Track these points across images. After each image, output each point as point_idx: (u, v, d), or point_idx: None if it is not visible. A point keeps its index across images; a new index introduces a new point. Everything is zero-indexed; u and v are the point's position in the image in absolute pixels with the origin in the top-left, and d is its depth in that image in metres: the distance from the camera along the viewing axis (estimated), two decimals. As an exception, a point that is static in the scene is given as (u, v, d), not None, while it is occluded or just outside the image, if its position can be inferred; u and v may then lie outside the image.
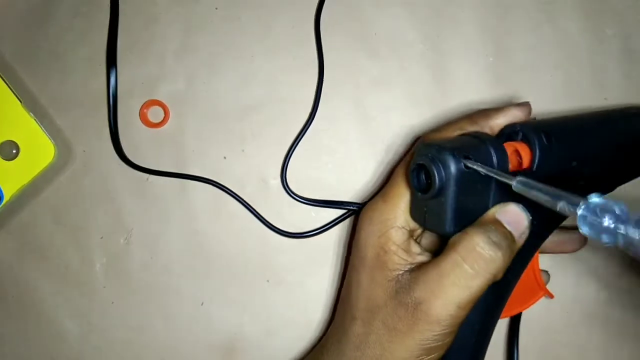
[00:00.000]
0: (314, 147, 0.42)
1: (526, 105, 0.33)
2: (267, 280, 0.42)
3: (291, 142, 0.42)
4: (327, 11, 0.42)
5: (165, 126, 0.42)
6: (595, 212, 0.21)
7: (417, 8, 0.43)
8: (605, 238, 0.20)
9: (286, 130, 0.42)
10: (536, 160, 0.30)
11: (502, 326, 0.42)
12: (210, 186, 0.42)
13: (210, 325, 0.42)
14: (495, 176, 0.27)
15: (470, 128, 0.32)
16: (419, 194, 0.30)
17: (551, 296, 0.38)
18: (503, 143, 0.30)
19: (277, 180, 0.42)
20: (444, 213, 0.29)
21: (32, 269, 0.42)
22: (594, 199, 0.21)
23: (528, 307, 0.38)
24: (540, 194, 0.24)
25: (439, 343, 0.30)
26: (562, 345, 0.42)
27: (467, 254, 0.28)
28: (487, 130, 0.32)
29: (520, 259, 0.31)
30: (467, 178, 0.28)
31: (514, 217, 0.30)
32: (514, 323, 0.41)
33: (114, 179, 0.42)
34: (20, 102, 0.40)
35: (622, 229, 0.20)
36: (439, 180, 0.28)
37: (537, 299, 0.37)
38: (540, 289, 0.37)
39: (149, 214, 0.42)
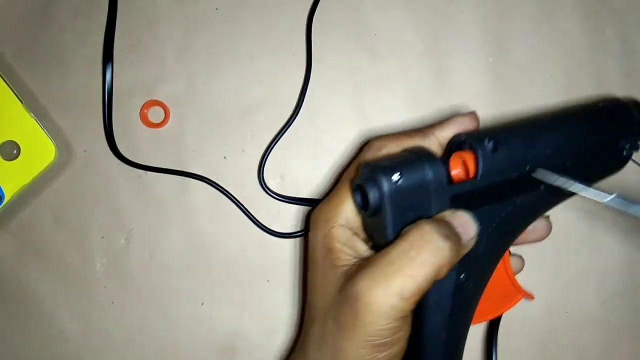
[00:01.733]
0: (314, 147, 0.42)
1: (473, 114, 0.34)
2: (268, 280, 0.42)
3: (269, 141, 0.42)
4: (327, 12, 0.42)
5: (166, 126, 0.42)
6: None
7: (417, 8, 0.43)
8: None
9: (286, 130, 0.42)
10: (480, 168, 0.30)
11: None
12: (210, 186, 0.42)
13: (210, 324, 0.42)
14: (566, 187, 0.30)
15: (418, 138, 0.33)
16: (362, 211, 0.31)
17: (531, 298, 0.38)
18: (453, 153, 0.31)
19: (277, 181, 0.42)
20: (384, 229, 0.29)
21: (32, 268, 0.42)
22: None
23: (506, 310, 0.37)
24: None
25: (387, 339, 0.29)
26: (561, 346, 0.42)
27: (414, 240, 0.28)
28: (434, 141, 0.33)
29: (485, 265, 0.32)
30: (404, 194, 0.29)
31: (464, 222, 0.30)
32: (492, 326, 0.40)
33: (114, 179, 0.42)
34: (21, 102, 0.40)
35: None
36: (373, 200, 0.29)
37: (516, 302, 0.37)
38: (518, 292, 0.37)
39: (150, 214, 0.42)
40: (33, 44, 0.42)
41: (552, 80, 0.43)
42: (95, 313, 0.42)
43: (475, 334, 0.41)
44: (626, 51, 0.43)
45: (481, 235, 0.31)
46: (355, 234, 0.32)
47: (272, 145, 0.42)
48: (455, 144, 0.32)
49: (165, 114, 0.42)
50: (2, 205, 0.40)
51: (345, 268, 0.31)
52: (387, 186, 0.28)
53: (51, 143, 0.40)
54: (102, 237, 0.42)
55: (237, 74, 0.42)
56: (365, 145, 0.34)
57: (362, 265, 0.30)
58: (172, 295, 0.42)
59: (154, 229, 0.42)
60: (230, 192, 0.42)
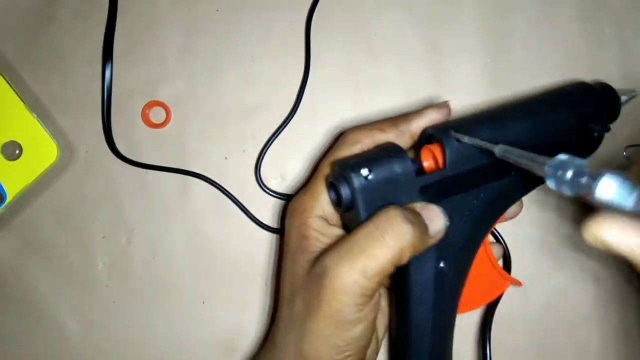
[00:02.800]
0: (314, 146, 0.43)
1: (445, 105, 0.35)
2: (266, 283, 0.42)
3: (264, 141, 0.42)
4: (327, 12, 0.43)
5: (167, 127, 0.43)
6: (558, 168, 0.24)
7: (417, 9, 0.43)
8: (566, 190, 0.23)
9: (287, 130, 0.42)
10: (448, 158, 0.31)
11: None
12: (211, 186, 0.42)
13: (211, 324, 0.42)
14: (482, 146, 0.31)
15: (390, 130, 0.34)
16: (337, 207, 0.32)
17: (518, 284, 0.38)
18: (423, 146, 0.33)
19: (277, 180, 0.43)
20: (357, 222, 0.31)
21: (34, 268, 0.42)
22: (560, 157, 0.24)
23: (494, 299, 0.38)
24: (516, 157, 0.28)
25: (351, 316, 0.30)
26: (561, 345, 0.42)
27: (380, 223, 0.30)
28: (406, 132, 0.34)
29: (464, 253, 0.33)
30: (374, 189, 0.30)
31: (432, 214, 0.31)
32: (486, 318, 0.41)
33: (116, 179, 0.43)
34: (23, 102, 0.40)
35: (582, 180, 0.23)
36: (345, 196, 0.31)
37: (504, 289, 0.38)
38: (505, 279, 0.37)
39: (151, 214, 0.42)
40: (34, 44, 0.43)
41: (551, 80, 0.43)
42: (96, 312, 0.42)
43: (468, 333, 0.42)
44: (625, 52, 0.43)
45: (455, 223, 0.32)
46: (331, 224, 0.33)
47: (268, 145, 0.42)
48: (425, 137, 0.33)
49: (167, 114, 0.43)
50: (4, 205, 0.40)
51: (316, 253, 0.32)
52: (358, 182, 0.30)
53: (53, 143, 0.40)
54: (103, 237, 0.43)
55: (238, 75, 0.43)
56: (339, 136, 0.35)
57: (330, 245, 0.31)
58: (173, 294, 0.42)
59: (155, 228, 0.42)
60: (231, 192, 0.42)
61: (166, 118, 0.43)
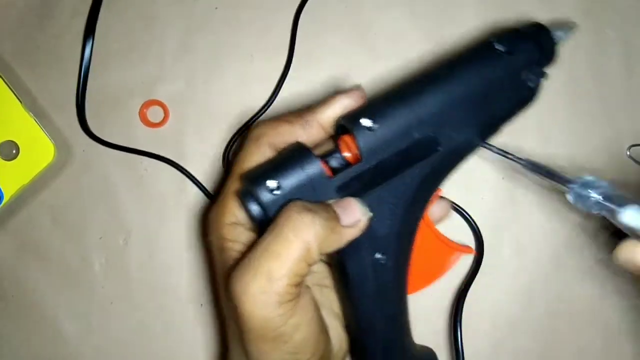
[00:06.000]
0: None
1: (356, 90, 0.31)
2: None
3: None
4: (327, 11, 0.42)
5: (165, 126, 0.42)
6: (584, 188, 0.28)
7: (418, 8, 0.43)
8: (589, 208, 0.28)
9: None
10: (362, 150, 0.29)
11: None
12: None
13: (209, 326, 0.42)
14: (502, 155, 0.33)
15: (300, 128, 0.31)
16: (251, 222, 0.30)
17: (470, 251, 0.37)
18: (339, 137, 0.30)
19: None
20: None
21: (31, 269, 0.42)
22: (586, 178, 0.28)
23: (449, 269, 0.37)
24: (541, 173, 0.31)
25: (280, 329, 0.27)
26: (564, 348, 0.42)
27: (279, 220, 0.27)
28: (315, 126, 0.31)
29: (400, 241, 0.31)
30: (287, 199, 0.28)
31: (346, 205, 0.28)
32: (458, 305, 0.41)
33: (113, 179, 0.42)
34: (20, 102, 0.40)
35: (603, 201, 0.27)
36: (255, 214, 0.28)
37: (456, 260, 0.36)
38: (454, 249, 0.36)
39: (148, 215, 0.42)
40: (32, 44, 0.43)
41: (552, 79, 0.42)
42: (94, 313, 0.42)
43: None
44: (627, 51, 0.43)
45: (384, 214, 0.30)
46: (248, 228, 0.31)
47: (232, 142, 0.42)
48: (340, 127, 0.30)
49: (165, 113, 0.42)
50: (1, 205, 0.40)
51: (232, 265, 0.30)
52: (266, 197, 0.28)
53: (50, 143, 0.40)
54: (100, 238, 0.42)
55: (237, 74, 0.42)
56: (247, 133, 0.33)
57: (239, 259, 0.29)
58: (170, 295, 0.42)
59: (153, 229, 0.42)
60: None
61: (164, 117, 0.42)
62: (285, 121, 0.31)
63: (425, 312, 0.41)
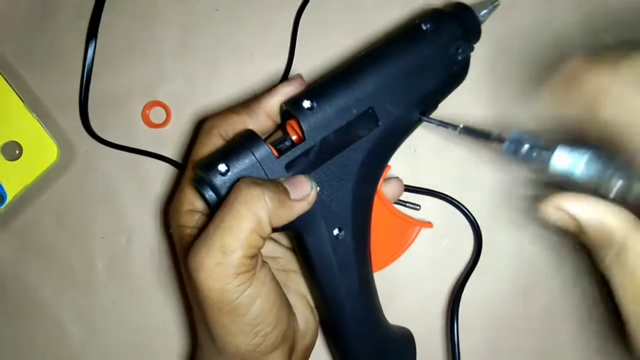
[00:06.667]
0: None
1: (296, 78, 0.33)
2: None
3: None
4: (327, 11, 0.43)
5: (168, 126, 0.43)
6: (516, 144, 0.28)
7: (417, 8, 0.43)
8: (527, 164, 0.28)
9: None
10: (304, 130, 0.31)
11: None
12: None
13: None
14: (441, 126, 0.33)
15: (247, 116, 0.33)
16: (209, 209, 0.31)
17: (429, 226, 0.39)
18: (285, 122, 0.32)
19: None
20: None
21: (34, 269, 0.42)
22: (514, 134, 0.28)
23: (409, 245, 0.38)
24: (475, 137, 0.31)
25: (240, 299, 0.28)
26: (561, 346, 0.42)
27: (230, 196, 0.28)
28: (261, 113, 0.33)
29: (356, 216, 0.33)
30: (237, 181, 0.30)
31: (295, 181, 0.30)
32: (455, 300, 0.41)
33: (115, 179, 0.42)
34: (23, 102, 0.40)
35: (532, 151, 0.27)
36: (209, 197, 0.30)
37: (416, 235, 0.38)
38: (411, 224, 0.38)
39: (150, 214, 0.42)
40: (34, 44, 0.43)
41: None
42: (96, 313, 0.42)
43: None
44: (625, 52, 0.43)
45: (334, 190, 0.32)
46: (205, 214, 0.32)
47: None
48: (285, 113, 0.33)
49: (167, 114, 0.42)
50: (4, 205, 0.40)
51: None
52: (217, 180, 0.30)
53: (53, 143, 0.40)
54: (103, 237, 0.42)
55: (237, 74, 0.43)
56: (202, 122, 0.34)
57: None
58: (173, 295, 0.42)
59: (155, 229, 0.42)
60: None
61: (166, 118, 0.42)
62: (233, 112, 0.33)
63: (421, 310, 0.42)
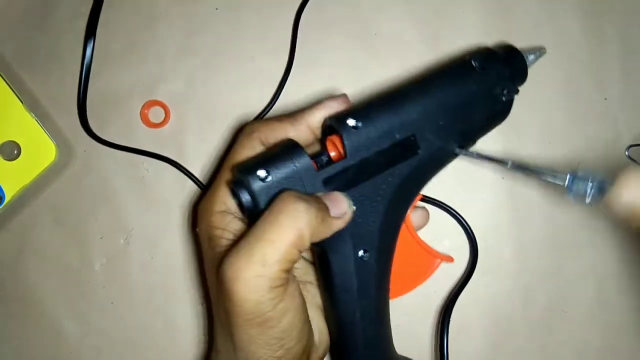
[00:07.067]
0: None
1: (342, 96, 0.34)
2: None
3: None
4: (327, 11, 0.43)
5: (166, 126, 0.43)
6: (577, 181, 0.29)
7: (417, 8, 0.43)
8: (585, 200, 0.28)
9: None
10: (347, 147, 0.31)
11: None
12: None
13: (210, 325, 0.42)
14: (491, 162, 0.33)
15: (290, 125, 0.33)
16: (242, 212, 0.31)
17: (450, 260, 0.38)
18: (326, 137, 0.32)
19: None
20: None
21: (32, 269, 0.42)
22: (578, 172, 0.29)
23: (427, 278, 0.38)
24: (529, 172, 0.31)
25: (268, 313, 0.28)
26: (561, 345, 0.42)
27: (274, 207, 0.28)
28: (304, 126, 0.33)
29: (383, 239, 0.33)
30: (275, 189, 0.30)
31: (334, 198, 0.30)
32: (446, 312, 0.41)
33: (114, 179, 0.42)
34: (22, 102, 0.40)
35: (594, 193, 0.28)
36: (245, 200, 0.30)
37: (435, 268, 0.38)
38: (434, 257, 0.37)
39: (149, 215, 0.42)
40: (33, 44, 0.43)
41: (552, 80, 0.43)
42: (94, 313, 0.42)
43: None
44: (626, 51, 0.43)
45: (367, 211, 0.32)
46: (237, 217, 0.32)
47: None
48: (327, 128, 0.33)
49: (166, 114, 0.42)
50: (2, 205, 0.40)
51: (222, 254, 0.31)
52: (256, 185, 0.29)
53: (52, 143, 0.40)
54: (101, 238, 0.42)
55: (237, 74, 0.43)
56: (242, 128, 0.34)
57: (232, 245, 0.30)
58: (171, 295, 0.42)
59: (154, 229, 0.42)
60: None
61: (165, 117, 0.42)
62: (276, 120, 0.33)
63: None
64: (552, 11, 0.43)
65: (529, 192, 0.42)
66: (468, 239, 0.42)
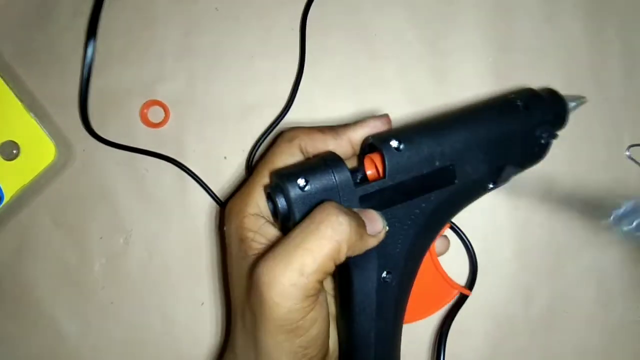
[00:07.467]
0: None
1: (385, 116, 0.34)
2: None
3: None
4: (326, 11, 0.42)
5: (166, 126, 0.42)
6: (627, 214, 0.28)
7: (417, 8, 0.43)
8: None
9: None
10: (387, 167, 0.31)
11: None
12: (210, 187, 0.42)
13: (210, 325, 0.42)
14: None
15: (331, 138, 0.33)
16: (275, 218, 0.31)
17: (467, 293, 0.38)
18: (365, 155, 0.33)
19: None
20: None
21: (31, 269, 0.42)
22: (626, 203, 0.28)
23: (442, 307, 0.38)
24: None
25: (299, 322, 0.28)
26: (562, 345, 0.42)
27: (316, 216, 0.28)
28: (346, 141, 0.33)
29: (407, 263, 0.33)
30: (312, 199, 0.30)
31: (371, 216, 0.30)
32: (442, 327, 0.41)
33: (113, 178, 0.42)
34: (21, 102, 0.40)
35: None
36: (281, 206, 0.30)
37: (451, 298, 0.38)
38: (452, 287, 0.37)
39: (149, 215, 0.42)
40: (32, 43, 0.43)
41: (552, 80, 0.42)
42: (93, 313, 0.42)
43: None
44: (627, 51, 0.43)
45: (397, 233, 0.32)
46: (269, 221, 0.32)
47: (259, 144, 0.42)
48: (368, 146, 0.33)
49: (165, 113, 0.42)
50: (1, 205, 0.40)
51: (255, 256, 0.31)
52: (294, 193, 0.29)
53: (51, 143, 0.40)
54: (101, 238, 0.42)
55: (237, 74, 0.42)
56: (280, 134, 0.34)
57: (268, 249, 0.30)
58: (171, 295, 0.42)
59: (153, 229, 0.42)
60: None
61: (165, 117, 0.42)
62: (318, 130, 0.34)
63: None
64: (553, 11, 0.43)
65: (529, 192, 0.42)
66: (466, 250, 0.42)
